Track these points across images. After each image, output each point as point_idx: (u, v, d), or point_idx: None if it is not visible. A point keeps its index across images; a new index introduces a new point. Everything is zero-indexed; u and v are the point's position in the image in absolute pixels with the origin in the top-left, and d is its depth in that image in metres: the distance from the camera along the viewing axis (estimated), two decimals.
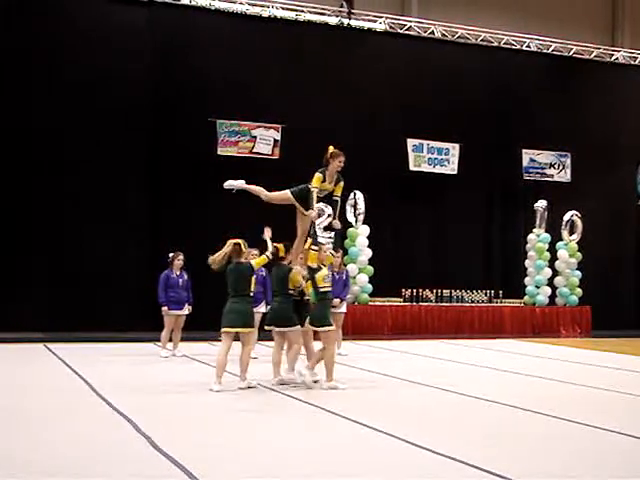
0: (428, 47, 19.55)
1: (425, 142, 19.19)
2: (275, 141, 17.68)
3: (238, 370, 9.08)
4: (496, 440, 6.46)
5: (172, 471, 5.26)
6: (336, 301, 11.94)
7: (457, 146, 19.40)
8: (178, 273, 12.48)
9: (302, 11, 18.66)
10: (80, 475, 5.17)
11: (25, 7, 16.21)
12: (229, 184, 9.69)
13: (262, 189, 9.66)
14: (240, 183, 9.66)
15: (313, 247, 9.30)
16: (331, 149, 9.43)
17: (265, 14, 18.26)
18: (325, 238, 15.39)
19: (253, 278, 9.07)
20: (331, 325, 9.23)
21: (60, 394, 8.49)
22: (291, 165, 16.14)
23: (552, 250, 19.19)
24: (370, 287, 17.41)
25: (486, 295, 18.78)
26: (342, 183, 9.46)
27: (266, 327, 9.74)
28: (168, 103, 17.07)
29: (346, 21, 18.97)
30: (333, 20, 18.96)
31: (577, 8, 21.62)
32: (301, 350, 9.62)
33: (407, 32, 19.51)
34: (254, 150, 17.56)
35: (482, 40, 20.13)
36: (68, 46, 16.29)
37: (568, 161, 20.73)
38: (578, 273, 19.29)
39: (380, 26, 19.42)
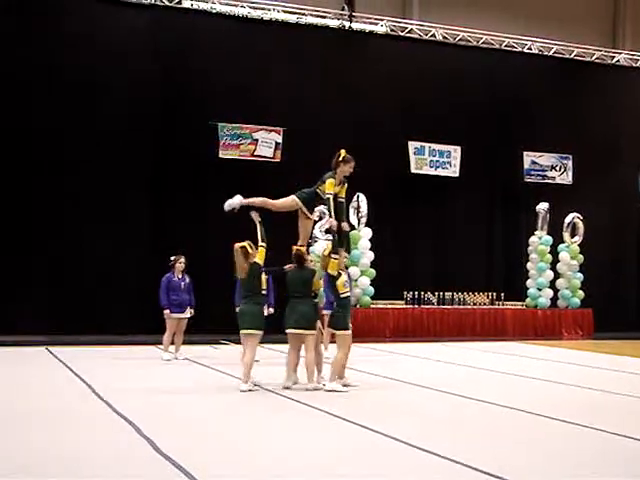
0: (429, 50, 19.58)
1: (427, 145, 19.21)
2: (277, 144, 17.67)
3: (241, 373, 9.10)
4: (498, 442, 6.46)
5: (174, 473, 5.27)
6: None
7: (458, 148, 19.40)
8: (180, 276, 12.48)
9: (303, 14, 18.68)
10: (81, 476, 5.18)
11: (25, 7, 16.25)
12: (228, 205, 9.27)
13: (265, 199, 9.45)
14: (238, 200, 9.26)
15: (333, 255, 9.22)
16: (343, 153, 9.29)
17: (266, 17, 18.29)
18: (324, 240, 15.36)
19: (263, 276, 9.19)
20: (348, 329, 9.31)
21: (62, 397, 8.49)
22: (293, 168, 16.22)
23: (554, 252, 19.17)
24: (372, 290, 17.40)
25: (488, 297, 18.77)
26: (346, 185, 9.47)
27: (293, 331, 9.26)
28: (170, 105, 17.10)
29: (347, 24, 18.98)
30: (334, 23, 18.97)
31: (578, 10, 21.60)
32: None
33: (408, 35, 19.52)
34: (256, 153, 17.57)
35: (483, 43, 20.14)
36: (69, 47, 16.33)
37: (569, 163, 20.73)
38: (580, 275, 19.27)
39: (381, 29, 19.43)
